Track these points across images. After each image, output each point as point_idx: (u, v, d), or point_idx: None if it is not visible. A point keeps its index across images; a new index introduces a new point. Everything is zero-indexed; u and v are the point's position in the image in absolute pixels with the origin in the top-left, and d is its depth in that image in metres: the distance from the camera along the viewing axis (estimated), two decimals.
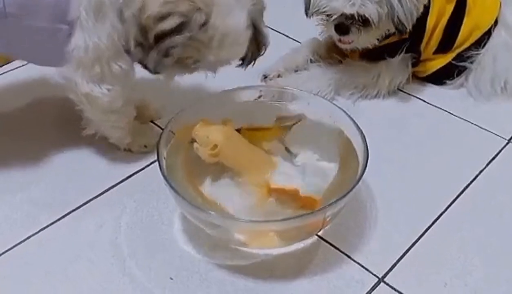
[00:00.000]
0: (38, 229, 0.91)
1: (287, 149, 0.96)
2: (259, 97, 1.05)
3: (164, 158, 0.88)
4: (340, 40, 1.14)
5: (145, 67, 0.88)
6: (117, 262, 0.87)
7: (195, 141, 0.89)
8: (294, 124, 0.98)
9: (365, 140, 0.89)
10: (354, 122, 0.92)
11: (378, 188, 0.99)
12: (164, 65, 0.87)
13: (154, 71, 0.88)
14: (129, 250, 0.89)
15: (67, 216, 0.94)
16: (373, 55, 1.19)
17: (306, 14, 1.14)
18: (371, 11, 1.05)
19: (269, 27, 1.37)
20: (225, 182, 0.91)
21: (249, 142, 0.94)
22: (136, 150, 1.05)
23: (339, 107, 0.97)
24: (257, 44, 0.96)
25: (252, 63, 0.98)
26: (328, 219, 0.86)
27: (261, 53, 0.98)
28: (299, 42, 1.33)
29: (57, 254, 0.88)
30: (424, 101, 1.21)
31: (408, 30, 1.10)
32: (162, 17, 0.83)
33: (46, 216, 0.93)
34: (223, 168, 0.92)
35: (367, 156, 0.86)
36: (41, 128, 1.10)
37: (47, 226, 0.92)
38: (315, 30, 1.24)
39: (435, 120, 1.16)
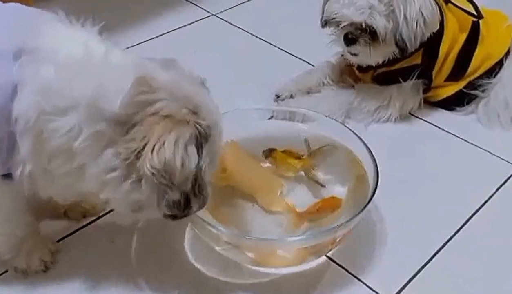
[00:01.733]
0: (55, 240, 0.92)
1: (317, 182, 0.96)
2: (271, 117, 1.07)
3: None
4: (348, 52, 1.16)
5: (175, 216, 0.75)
6: (126, 276, 0.87)
7: None
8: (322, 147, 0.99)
9: (376, 163, 0.90)
10: (365, 144, 0.93)
11: (388, 211, 1.00)
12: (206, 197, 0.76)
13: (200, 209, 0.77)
14: (139, 264, 0.90)
15: (80, 230, 0.95)
16: (385, 79, 1.21)
17: (321, 23, 1.17)
18: (378, 23, 1.07)
19: (282, 49, 1.42)
20: (237, 203, 0.93)
21: (278, 165, 0.96)
22: (32, 270, 0.86)
23: (350, 130, 0.98)
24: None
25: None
26: (338, 240, 0.87)
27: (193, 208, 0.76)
28: (312, 65, 1.35)
29: (68, 265, 0.89)
30: (435, 125, 1.21)
31: (408, 51, 1.12)
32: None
33: (59, 228, 0.94)
34: (234, 189, 0.93)
35: (378, 178, 0.87)
36: None
37: (61, 239, 0.93)
38: (328, 53, 1.26)
39: (445, 145, 1.17)
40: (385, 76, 1.20)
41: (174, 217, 0.75)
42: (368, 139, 0.95)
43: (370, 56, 1.14)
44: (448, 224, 0.99)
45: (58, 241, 0.93)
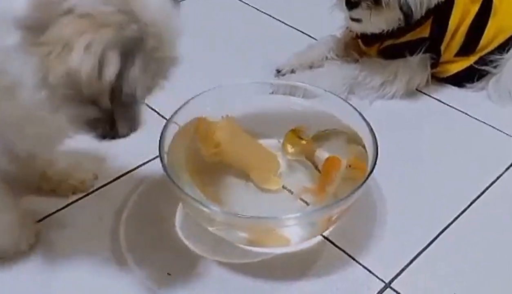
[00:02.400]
0: (41, 217, 0.90)
1: (316, 168, 0.92)
2: (272, 92, 1.03)
3: (166, 152, 0.85)
4: (350, 18, 1.10)
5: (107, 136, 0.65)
6: (115, 255, 0.85)
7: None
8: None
9: (375, 139, 0.85)
10: (365, 120, 0.88)
11: (390, 190, 0.95)
12: (138, 116, 0.65)
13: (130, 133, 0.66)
14: (128, 243, 0.86)
15: (68, 207, 0.92)
16: (391, 53, 1.15)
17: None
18: None
19: (284, 23, 1.37)
20: (230, 180, 0.89)
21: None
22: (17, 253, 0.81)
23: (351, 106, 0.93)
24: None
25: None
26: (334, 218, 0.83)
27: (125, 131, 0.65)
28: (316, 39, 1.30)
29: (55, 243, 0.86)
30: (442, 102, 1.16)
31: (414, 18, 1.06)
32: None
33: (47, 205, 0.91)
34: (227, 166, 0.89)
35: (377, 155, 0.83)
36: None
37: (48, 215, 0.90)
38: (332, 27, 1.21)
39: (453, 122, 1.12)
40: (391, 49, 1.15)
41: (103, 137, 0.65)
42: (371, 116, 0.90)
43: (372, 21, 1.08)
44: (453, 205, 0.94)
45: (45, 217, 0.90)
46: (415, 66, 1.15)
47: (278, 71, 1.20)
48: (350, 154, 0.89)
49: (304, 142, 0.93)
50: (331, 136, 0.94)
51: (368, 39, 1.16)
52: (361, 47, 1.20)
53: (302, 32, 1.35)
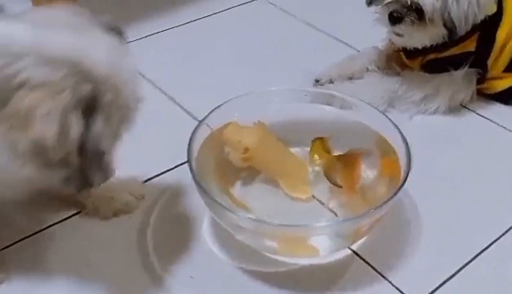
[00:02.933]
0: (71, 214, 0.91)
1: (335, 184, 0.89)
2: (308, 100, 1.00)
3: (196, 157, 0.84)
4: (393, 33, 1.08)
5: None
6: (141, 255, 0.85)
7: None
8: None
9: (408, 149, 0.82)
10: (398, 129, 0.86)
11: (426, 207, 0.92)
12: (110, 165, 0.66)
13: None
14: (154, 244, 0.86)
15: None
16: (435, 67, 1.12)
17: (366, 0, 1.10)
18: (425, 0, 0.99)
19: (325, 32, 1.36)
20: (259, 187, 0.88)
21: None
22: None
23: (385, 115, 0.91)
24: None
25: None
26: (364, 229, 0.80)
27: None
28: (357, 50, 1.28)
29: (84, 240, 0.87)
30: (487, 119, 1.11)
31: (458, 34, 1.02)
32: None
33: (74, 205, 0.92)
34: (256, 172, 0.88)
35: (409, 167, 0.80)
36: None
37: (74, 214, 0.91)
38: (374, 38, 1.19)
39: (497, 141, 1.07)
40: (435, 63, 1.11)
41: (78, 189, 0.67)
42: (410, 130, 0.87)
43: (415, 37, 1.05)
44: (491, 228, 0.89)
45: (72, 215, 0.91)
46: (459, 81, 1.11)
47: (317, 81, 1.19)
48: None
49: (329, 155, 0.91)
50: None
51: (411, 52, 1.13)
52: (403, 60, 1.17)
53: (344, 43, 1.33)
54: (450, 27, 1.01)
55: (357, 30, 1.29)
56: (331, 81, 1.18)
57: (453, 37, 1.03)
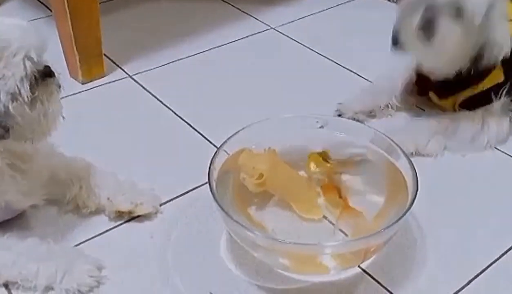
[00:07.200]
0: (93, 236, 0.97)
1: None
2: (320, 127, 1.04)
3: (215, 179, 0.90)
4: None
5: None
6: (162, 272, 0.90)
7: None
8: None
9: (415, 171, 0.87)
10: (405, 154, 0.91)
11: (431, 228, 0.96)
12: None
13: None
14: (175, 261, 0.92)
15: (125, 224, 0.99)
16: (472, 104, 1.14)
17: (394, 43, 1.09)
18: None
19: (340, 65, 1.42)
20: (272, 208, 0.94)
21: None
22: None
23: (392, 140, 0.96)
24: None
25: None
26: (373, 249, 0.85)
27: None
28: (368, 80, 1.34)
29: (108, 257, 0.92)
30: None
31: (483, 63, 1.05)
32: None
33: (100, 223, 0.98)
34: (269, 195, 0.94)
35: (417, 188, 0.85)
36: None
37: (101, 233, 0.97)
38: (384, 66, 1.24)
39: (498, 164, 1.12)
40: (471, 101, 1.14)
41: None
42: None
43: (442, 56, 1.05)
44: (493, 249, 0.94)
45: (97, 235, 0.96)
46: (499, 110, 1.13)
47: (339, 115, 1.20)
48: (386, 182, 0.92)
49: (329, 165, 0.96)
50: (363, 162, 0.97)
51: (443, 92, 1.16)
52: (434, 101, 1.19)
53: (357, 75, 1.39)
54: (481, 51, 1.03)
55: (370, 61, 1.37)
56: (354, 119, 1.19)
57: (479, 61, 1.05)
